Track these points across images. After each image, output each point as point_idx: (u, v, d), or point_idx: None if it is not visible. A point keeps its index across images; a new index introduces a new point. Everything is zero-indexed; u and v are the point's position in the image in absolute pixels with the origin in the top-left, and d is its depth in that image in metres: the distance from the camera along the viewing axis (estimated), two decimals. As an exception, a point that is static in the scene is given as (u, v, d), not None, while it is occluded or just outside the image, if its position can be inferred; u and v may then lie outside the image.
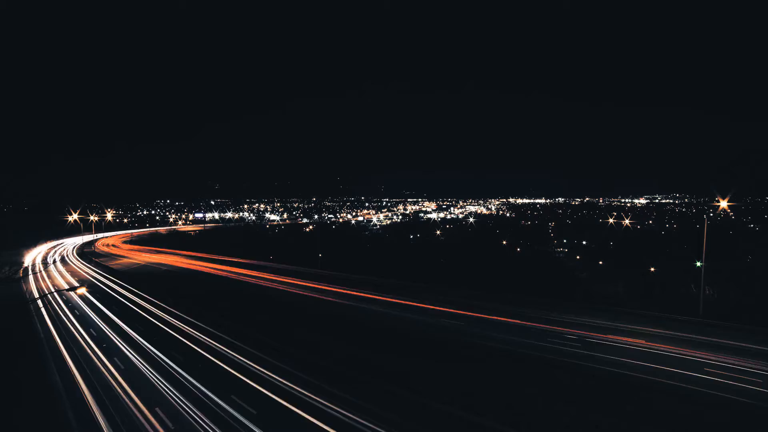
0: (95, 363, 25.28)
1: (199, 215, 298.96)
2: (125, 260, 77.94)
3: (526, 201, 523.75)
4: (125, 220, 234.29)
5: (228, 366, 23.98)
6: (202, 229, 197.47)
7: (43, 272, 63.09)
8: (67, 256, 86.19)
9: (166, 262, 73.34)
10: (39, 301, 42.51)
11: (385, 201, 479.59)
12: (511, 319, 32.13)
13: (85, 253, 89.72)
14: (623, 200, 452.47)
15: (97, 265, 70.68)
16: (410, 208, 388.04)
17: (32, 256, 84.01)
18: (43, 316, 36.74)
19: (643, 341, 26.12)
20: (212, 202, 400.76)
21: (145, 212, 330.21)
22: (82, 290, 47.91)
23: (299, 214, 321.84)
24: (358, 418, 17.72)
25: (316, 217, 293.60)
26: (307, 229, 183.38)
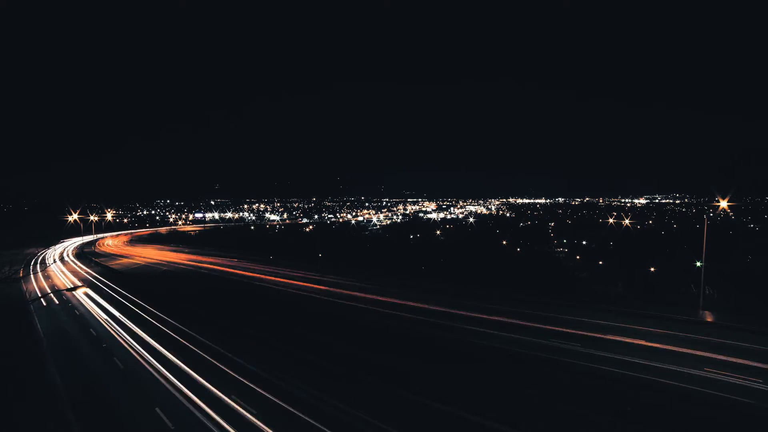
0: (95, 363, 25.30)
1: (199, 215, 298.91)
2: (125, 260, 77.96)
3: (526, 201, 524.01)
4: (125, 221, 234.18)
5: (227, 366, 24.00)
6: (202, 229, 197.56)
7: (44, 272, 63.08)
8: (67, 255, 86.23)
9: (165, 262, 73.35)
10: (39, 301, 42.52)
11: (385, 201, 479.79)
12: (511, 318, 32.13)
13: (85, 252, 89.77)
14: (623, 200, 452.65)
15: (97, 264, 70.73)
16: (410, 208, 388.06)
17: (33, 256, 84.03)
18: (43, 316, 36.77)
19: (643, 341, 26.11)
20: (212, 202, 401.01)
21: (145, 212, 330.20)
22: (82, 290, 48.01)
23: (299, 214, 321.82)
24: (358, 418, 17.74)
25: (316, 217, 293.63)
26: (307, 229, 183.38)
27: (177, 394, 20.60)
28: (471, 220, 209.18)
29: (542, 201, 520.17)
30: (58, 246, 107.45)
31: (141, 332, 31.01)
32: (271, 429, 17.24)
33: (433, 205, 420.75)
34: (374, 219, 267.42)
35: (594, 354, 24.32)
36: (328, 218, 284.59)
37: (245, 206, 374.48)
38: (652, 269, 52.65)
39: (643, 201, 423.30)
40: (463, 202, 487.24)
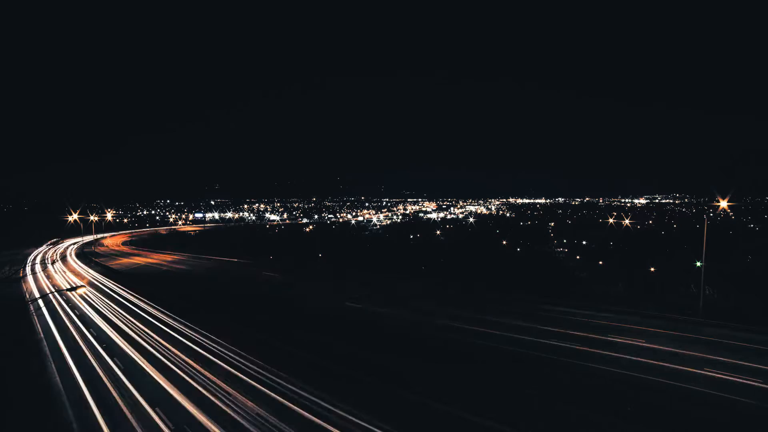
0: (95, 363, 25.28)
1: (199, 215, 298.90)
2: (125, 260, 77.94)
3: (526, 201, 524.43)
4: (125, 220, 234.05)
5: (226, 365, 24.01)
6: (202, 229, 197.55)
7: (44, 272, 63.08)
8: (68, 255, 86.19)
9: (165, 262, 73.34)
10: (39, 301, 42.54)
11: (385, 201, 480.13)
12: (511, 319, 32.11)
13: (85, 253, 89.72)
14: (623, 200, 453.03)
15: (97, 264, 70.70)
16: (410, 208, 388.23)
17: (33, 256, 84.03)
18: (43, 315, 36.75)
19: (643, 341, 26.12)
20: (212, 202, 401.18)
21: (145, 212, 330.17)
22: (83, 290, 48.01)
23: (299, 214, 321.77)
24: (357, 419, 17.74)
25: (316, 217, 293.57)
26: (307, 229, 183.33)
27: (177, 395, 20.61)
28: (471, 220, 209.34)
29: (542, 201, 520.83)
30: (58, 246, 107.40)
31: (140, 332, 31.01)
32: (268, 429, 17.26)
33: (433, 205, 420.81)
34: (374, 219, 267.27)
35: (594, 354, 24.33)
36: (328, 218, 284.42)
37: (245, 206, 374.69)
38: (652, 269, 52.68)
39: (643, 201, 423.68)
40: (463, 202, 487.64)
